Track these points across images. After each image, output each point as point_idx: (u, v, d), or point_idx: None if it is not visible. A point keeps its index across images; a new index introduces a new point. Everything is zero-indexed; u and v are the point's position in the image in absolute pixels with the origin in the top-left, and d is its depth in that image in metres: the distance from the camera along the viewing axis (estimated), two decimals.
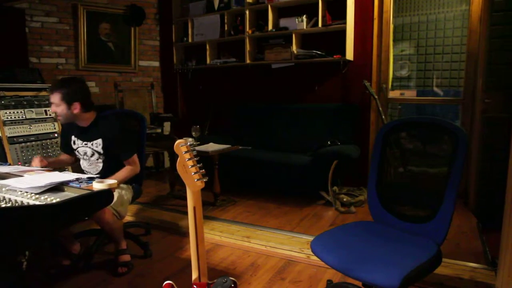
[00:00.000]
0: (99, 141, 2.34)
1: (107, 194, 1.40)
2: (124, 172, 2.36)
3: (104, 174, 2.29)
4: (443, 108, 3.98)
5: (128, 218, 3.28)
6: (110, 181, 1.43)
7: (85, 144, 2.36)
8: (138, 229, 2.95)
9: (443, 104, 3.95)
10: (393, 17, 3.90)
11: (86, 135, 2.37)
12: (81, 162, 2.44)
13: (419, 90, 3.99)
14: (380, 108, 3.46)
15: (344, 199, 3.47)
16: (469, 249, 2.55)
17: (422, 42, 3.89)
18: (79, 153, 2.41)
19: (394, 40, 3.97)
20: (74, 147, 2.41)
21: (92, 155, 2.37)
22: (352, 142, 3.75)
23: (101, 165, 2.38)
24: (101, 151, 2.35)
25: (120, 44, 4.98)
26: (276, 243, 2.62)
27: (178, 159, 1.48)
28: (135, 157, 2.41)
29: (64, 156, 2.52)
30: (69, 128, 2.43)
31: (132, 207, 3.44)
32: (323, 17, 3.92)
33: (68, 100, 2.24)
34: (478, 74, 3.35)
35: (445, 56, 3.78)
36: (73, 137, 2.40)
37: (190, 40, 4.95)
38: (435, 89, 3.91)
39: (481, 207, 2.98)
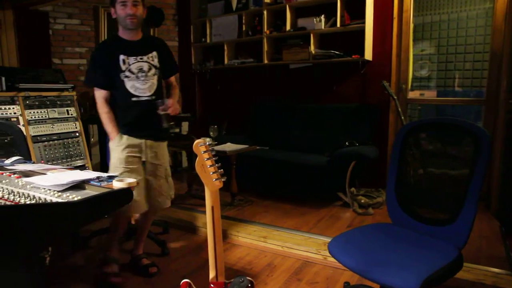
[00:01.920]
0: (154, 53, 2.23)
1: (126, 192, 1.42)
2: (176, 89, 2.42)
3: (157, 92, 2.23)
4: (464, 109, 3.89)
5: None
6: (130, 180, 1.45)
7: (141, 58, 2.17)
8: (155, 227, 2.98)
9: (464, 105, 3.86)
10: (413, 16, 3.83)
11: (140, 49, 2.19)
12: (131, 84, 2.15)
13: (440, 90, 3.91)
14: (399, 109, 3.41)
15: (362, 201, 3.43)
16: (492, 254, 2.48)
17: (443, 42, 3.81)
18: (132, 72, 2.15)
19: (414, 40, 3.90)
20: (123, 67, 2.13)
21: (149, 69, 2.19)
22: (370, 143, 3.70)
23: (156, 82, 2.22)
24: (157, 65, 2.23)
25: None
26: (292, 244, 2.61)
27: (197, 158, 1.50)
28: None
29: (101, 93, 2.19)
30: (111, 50, 2.16)
31: None
32: (341, 16, 3.89)
33: (143, 4, 2.22)
34: (502, 74, 3.26)
35: (467, 55, 3.70)
36: (121, 57, 2.13)
37: (208, 40, 4.99)
38: (457, 89, 3.83)
39: (504, 211, 2.90)
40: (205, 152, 1.49)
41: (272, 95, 4.72)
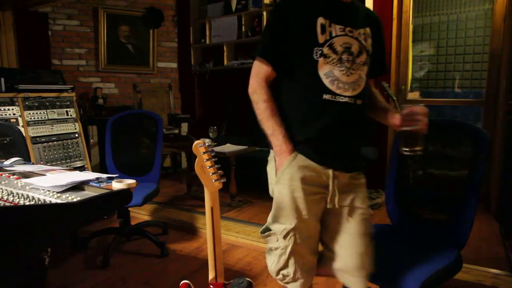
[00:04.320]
0: (368, 31, 1.36)
1: (125, 193, 1.42)
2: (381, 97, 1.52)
3: (364, 94, 1.35)
4: (463, 109, 3.90)
5: (145, 217, 3.33)
6: (129, 181, 1.45)
7: (350, 31, 1.30)
8: (155, 228, 2.98)
9: (463, 106, 3.86)
10: (412, 17, 3.84)
11: (351, 17, 1.33)
12: (328, 69, 1.27)
13: (439, 91, 3.91)
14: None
15: None
16: (491, 255, 2.48)
17: (442, 43, 3.82)
18: (333, 49, 1.27)
19: (413, 41, 3.91)
20: (321, 38, 1.26)
21: (360, 53, 1.31)
22: (369, 144, 3.70)
23: (364, 76, 1.34)
24: (370, 49, 1.36)
25: (139, 46, 5.06)
26: None
27: (196, 159, 1.50)
28: None
29: (264, 69, 1.34)
30: (304, 6, 1.31)
31: (149, 206, 3.49)
32: None
33: None
34: (501, 75, 3.27)
35: (466, 56, 3.70)
36: (320, 20, 1.27)
37: (207, 41, 4.99)
38: (456, 90, 3.83)
39: (504, 211, 2.90)
40: (204, 153, 1.49)
41: None
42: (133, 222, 2.86)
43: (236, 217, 3.26)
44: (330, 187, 1.31)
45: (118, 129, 2.92)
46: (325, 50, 1.26)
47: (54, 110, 3.31)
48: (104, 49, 4.80)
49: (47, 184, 1.39)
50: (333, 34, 1.27)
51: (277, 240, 1.36)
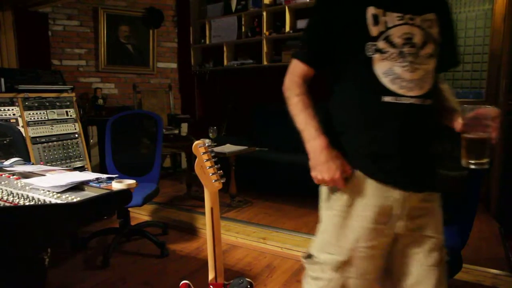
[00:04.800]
0: (433, 16, 1.11)
1: (125, 194, 1.42)
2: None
3: (432, 92, 1.12)
4: None
5: (145, 217, 3.33)
6: (129, 181, 1.45)
7: (411, 19, 1.07)
8: (155, 228, 2.98)
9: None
10: None
11: (411, 3, 1.09)
12: (386, 66, 1.06)
13: None
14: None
15: None
16: (491, 255, 2.49)
17: None
18: (391, 43, 1.06)
19: None
20: (374, 30, 1.06)
21: (424, 43, 1.08)
22: None
23: (432, 71, 1.11)
24: (438, 38, 1.12)
25: (139, 46, 5.06)
26: (292, 245, 2.61)
27: (196, 160, 1.50)
28: None
29: (300, 68, 1.21)
30: None
31: (149, 206, 3.49)
32: None
33: None
34: (501, 75, 3.27)
35: (466, 57, 3.70)
36: (370, 10, 1.06)
37: (207, 41, 4.99)
38: (456, 90, 3.83)
39: (503, 212, 2.90)
40: (204, 153, 1.49)
41: (272, 96, 4.70)
42: (133, 223, 2.86)
43: (236, 217, 3.26)
44: (397, 212, 1.08)
45: (118, 129, 2.92)
46: (380, 44, 1.05)
47: (54, 110, 3.30)
48: (104, 49, 4.80)
49: (47, 184, 1.39)
50: (390, 25, 1.06)
51: (323, 271, 1.13)
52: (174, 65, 5.41)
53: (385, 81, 1.05)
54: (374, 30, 1.06)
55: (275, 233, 2.86)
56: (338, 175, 1.06)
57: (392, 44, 1.05)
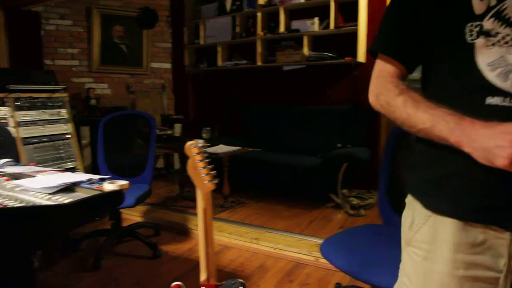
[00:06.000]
0: None
1: (117, 195, 1.42)
2: None
3: None
4: None
5: (137, 218, 3.32)
6: (121, 182, 1.44)
7: None
8: (147, 230, 2.97)
9: None
10: None
11: None
12: (494, 55, 0.74)
13: None
14: None
15: (354, 202, 3.45)
16: None
17: None
18: (503, 20, 0.74)
19: None
20: (480, 6, 0.75)
21: None
22: (362, 144, 3.72)
23: None
24: None
25: (133, 46, 5.04)
26: (284, 246, 2.61)
27: (189, 160, 1.49)
28: None
29: (387, 67, 0.90)
30: None
31: (142, 207, 3.47)
32: (335, 19, 3.91)
33: None
34: None
35: None
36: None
37: (201, 42, 4.98)
38: None
39: None
40: (197, 154, 1.49)
41: (266, 96, 4.72)
42: (125, 224, 2.85)
43: (229, 218, 3.25)
44: (504, 261, 0.77)
45: (111, 130, 2.90)
46: (488, 24, 0.75)
47: (46, 110, 3.28)
48: (97, 49, 4.77)
49: (38, 185, 1.37)
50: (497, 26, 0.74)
51: None
52: (168, 66, 5.40)
53: (491, 75, 0.75)
54: (479, 6, 0.76)
55: (267, 233, 2.86)
56: None
57: (507, 22, 0.74)
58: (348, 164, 3.37)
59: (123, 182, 1.43)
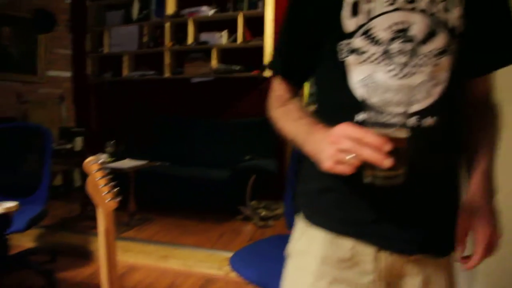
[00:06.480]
0: None
1: (3, 219, 1.25)
2: (497, 121, 0.85)
3: (444, 104, 0.76)
4: None
5: (30, 244, 2.97)
6: (8, 204, 1.28)
7: (409, 2, 0.73)
8: (41, 256, 2.67)
9: None
10: None
11: None
12: (364, 72, 0.76)
13: None
14: None
15: (262, 213, 3.53)
16: None
17: None
18: (371, 39, 0.75)
19: None
20: (350, 24, 0.76)
21: (430, 35, 0.73)
22: (271, 156, 3.85)
23: (441, 73, 0.74)
24: (458, 26, 0.74)
25: (25, 51, 4.56)
26: (195, 262, 2.56)
27: (88, 178, 1.38)
28: None
29: (279, 85, 0.93)
30: None
31: (35, 231, 3.11)
32: (243, 33, 4.01)
33: None
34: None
35: None
36: None
37: (106, 50, 4.72)
38: None
39: None
40: (97, 170, 1.39)
41: (174, 109, 4.63)
42: (14, 251, 2.52)
43: (135, 236, 3.09)
44: (371, 278, 0.77)
45: None
46: (357, 42, 0.75)
47: None
48: None
49: None
50: (374, 13, 0.74)
51: None
52: (67, 74, 4.99)
53: (361, 92, 0.76)
54: (349, 23, 0.76)
55: (176, 250, 2.77)
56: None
57: (374, 40, 0.75)
58: (257, 176, 3.45)
59: (10, 204, 1.27)
